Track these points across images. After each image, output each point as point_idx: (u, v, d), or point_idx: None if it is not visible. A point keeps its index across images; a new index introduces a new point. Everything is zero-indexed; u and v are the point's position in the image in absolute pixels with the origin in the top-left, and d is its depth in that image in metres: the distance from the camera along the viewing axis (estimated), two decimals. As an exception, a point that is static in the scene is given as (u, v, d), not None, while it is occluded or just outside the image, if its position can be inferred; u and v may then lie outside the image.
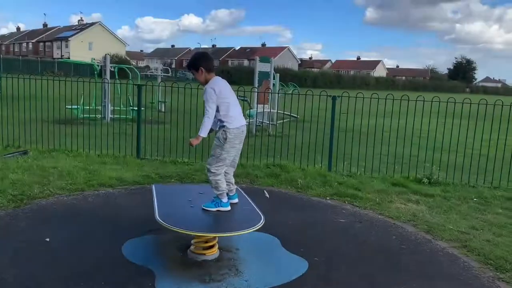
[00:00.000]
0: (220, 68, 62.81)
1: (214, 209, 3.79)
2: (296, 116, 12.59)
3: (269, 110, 11.73)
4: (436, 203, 5.84)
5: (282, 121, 11.91)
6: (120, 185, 5.98)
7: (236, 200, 3.97)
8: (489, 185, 6.79)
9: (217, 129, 3.82)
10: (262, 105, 11.72)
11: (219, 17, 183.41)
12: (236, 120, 3.72)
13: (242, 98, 11.36)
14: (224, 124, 3.69)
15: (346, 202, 5.79)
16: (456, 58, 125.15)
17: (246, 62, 75.33)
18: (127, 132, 8.70)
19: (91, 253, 3.82)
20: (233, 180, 3.96)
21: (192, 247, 3.87)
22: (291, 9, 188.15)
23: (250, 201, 4.09)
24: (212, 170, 3.72)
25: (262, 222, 3.59)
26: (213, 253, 3.81)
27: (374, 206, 5.65)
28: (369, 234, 4.68)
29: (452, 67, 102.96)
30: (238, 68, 61.98)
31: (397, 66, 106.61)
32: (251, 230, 3.49)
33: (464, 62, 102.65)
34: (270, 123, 11.91)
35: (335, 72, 72.23)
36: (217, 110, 3.68)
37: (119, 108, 13.00)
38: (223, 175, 3.79)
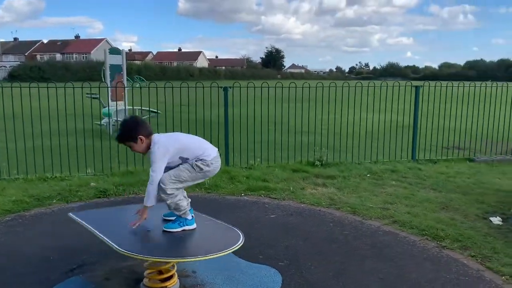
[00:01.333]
0: (28, 64, 55.38)
1: (180, 229, 3.14)
2: (157, 111, 11.79)
3: (125, 108, 10.65)
4: (341, 184, 6.07)
5: (143, 118, 10.95)
6: (-13, 218, 4.59)
7: (192, 214, 3.36)
8: (369, 161, 7.40)
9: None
10: (117, 103, 10.62)
11: (15, 7, 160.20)
12: (211, 150, 3.22)
13: (92, 96, 10.07)
14: (202, 158, 3.15)
15: (262, 195, 5.58)
16: (266, 47, 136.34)
17: (58, 56, 68.18)
18: None
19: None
20: (185, 193, 3.34)
21: (145, 281, 3.14)
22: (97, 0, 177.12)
23: (203, 214, 3.54)
24: (169, 192, 3.08)
25: (242, 238, 3.09)
26: (175, 284, 3.16)
27: (290, 195, 5.57)
28: (308, 226, 4.55)
29: (264, 56, 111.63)
30: (51, 63, 55.51)
31: (217, 57, 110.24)
32: (236, 248, 2.97)
33: (274, 51, 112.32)
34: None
35: (158, 64, 70.88)
36: (185, 159, 3.16)
37: None
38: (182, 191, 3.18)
